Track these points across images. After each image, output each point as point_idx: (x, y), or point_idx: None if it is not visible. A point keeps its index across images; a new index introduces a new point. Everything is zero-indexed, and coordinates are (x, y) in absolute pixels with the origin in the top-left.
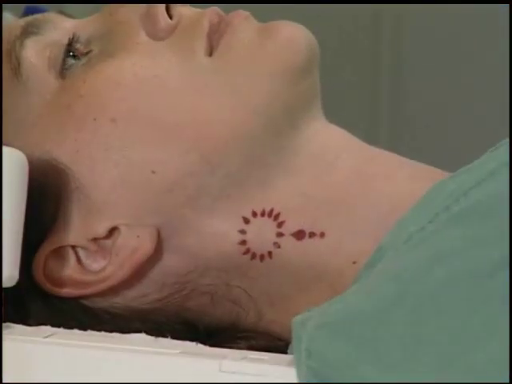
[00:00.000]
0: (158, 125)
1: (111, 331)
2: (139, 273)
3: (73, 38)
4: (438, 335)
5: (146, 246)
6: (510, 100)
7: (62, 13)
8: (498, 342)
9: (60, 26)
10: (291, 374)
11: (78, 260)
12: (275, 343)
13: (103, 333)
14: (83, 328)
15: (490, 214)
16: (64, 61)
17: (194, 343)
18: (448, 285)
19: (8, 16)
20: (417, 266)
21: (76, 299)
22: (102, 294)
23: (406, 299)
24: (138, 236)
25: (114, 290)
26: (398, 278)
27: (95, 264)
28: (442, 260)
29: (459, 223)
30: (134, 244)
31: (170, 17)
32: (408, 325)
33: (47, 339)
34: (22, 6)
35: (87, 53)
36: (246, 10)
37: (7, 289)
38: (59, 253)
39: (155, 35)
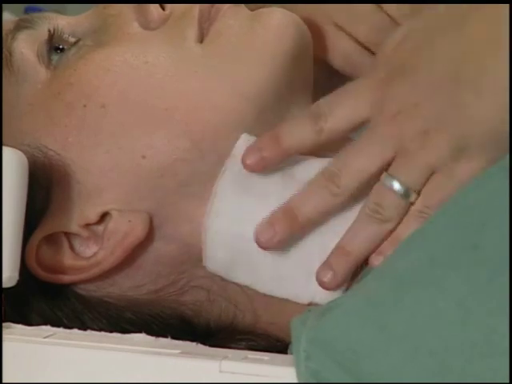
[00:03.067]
0: (147, 110)
1: (111, 331)
2: (133, 260)
3: (54, 31)
4: (437, 339)
5: (138, 230)
6: (511, 100)
7: (58, 13)
8: (497, 344)
9: (54, 21)
10: (291, 375)
11: (71, 247)
12: (275, 344)
13: (103, 333)
14: (83, 328)
15: (489, 215)
16: (49, 53)
17: (193, 343)
18: (446, 288)
19: (8, 16)
20: (415, 268)
21: (71, 288)
22: (96, 280)
23: (403, 303)
24: (130, 221)
25: (109, 276)
26: (396, 281)
27: (88, 250)
28: (440, 262)
29: (458, 224)
30: (126, 229)
31: (163, 9)
32: (406, 329)
33: (47, 339)
34: (22, 6)
35: (75, 43)
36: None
37: (7, 289)
38: (52, 240)
39: (148, 26)
